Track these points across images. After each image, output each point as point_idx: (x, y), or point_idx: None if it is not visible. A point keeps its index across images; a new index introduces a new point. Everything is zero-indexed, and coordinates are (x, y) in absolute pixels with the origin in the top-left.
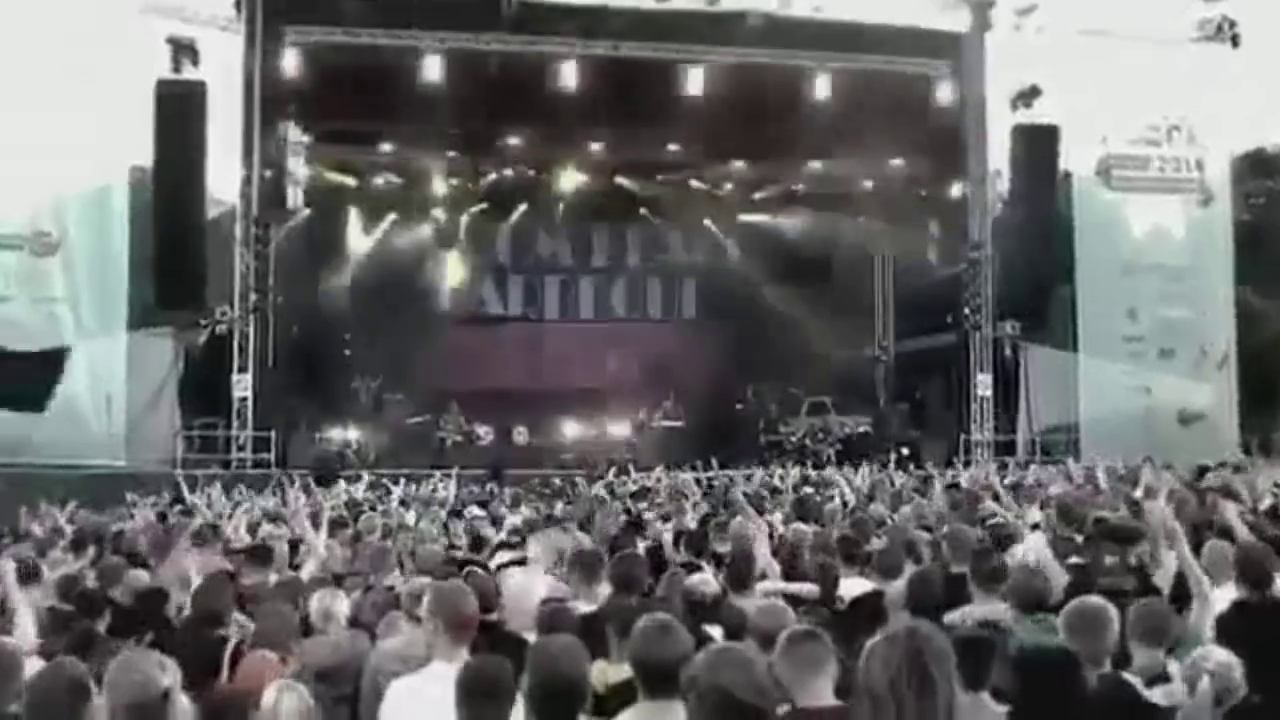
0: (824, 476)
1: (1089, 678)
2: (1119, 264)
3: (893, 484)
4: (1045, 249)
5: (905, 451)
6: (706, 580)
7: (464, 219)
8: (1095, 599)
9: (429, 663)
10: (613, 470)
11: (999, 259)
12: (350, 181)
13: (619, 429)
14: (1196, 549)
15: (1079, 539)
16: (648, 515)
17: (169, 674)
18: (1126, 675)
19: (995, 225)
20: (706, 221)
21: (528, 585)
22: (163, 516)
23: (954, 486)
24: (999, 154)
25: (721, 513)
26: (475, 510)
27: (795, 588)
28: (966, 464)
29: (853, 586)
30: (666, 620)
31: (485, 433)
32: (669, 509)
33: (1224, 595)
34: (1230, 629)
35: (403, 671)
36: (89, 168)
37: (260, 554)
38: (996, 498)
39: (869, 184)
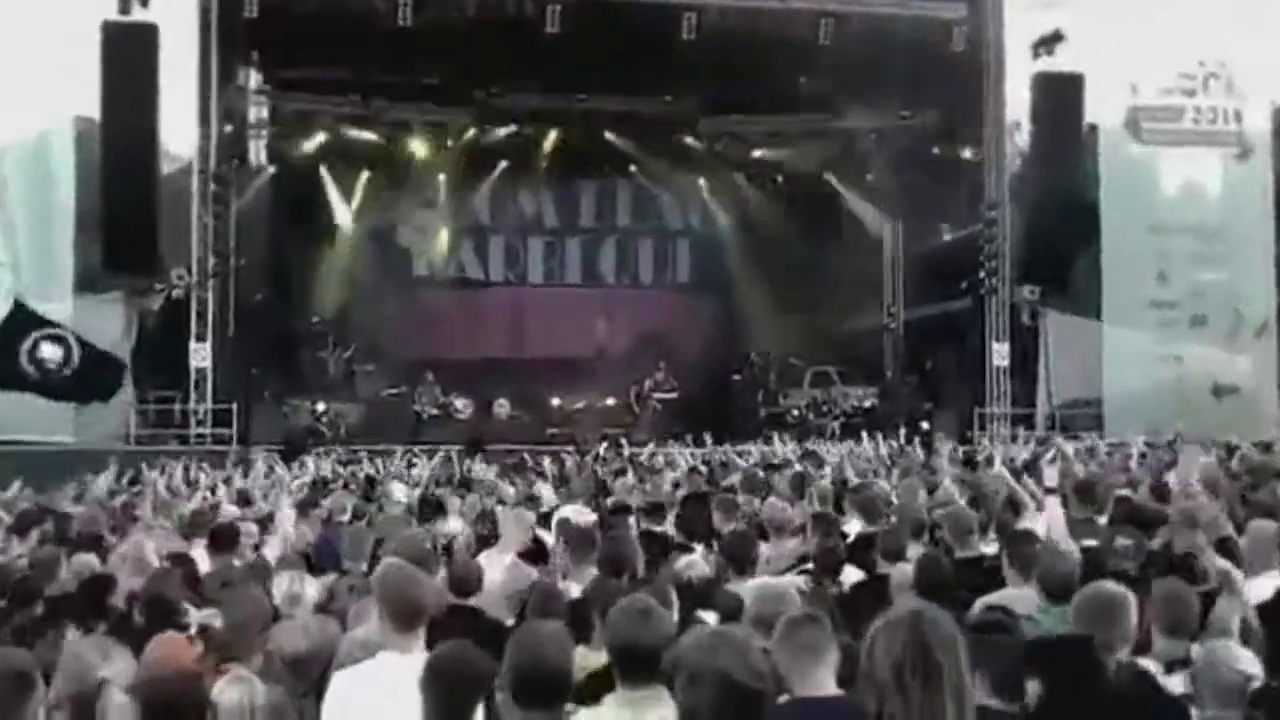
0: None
1: (1105, 666)
2: (1148, 223)
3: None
4: (1068, 208)
5: (915, 425)
6: (696, 563)
7: (441, 176)
8: (1110, 585)
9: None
10: (604, 445)
11: (1017, 219)
12: (318, 135)
13: (608, 401)
14: (1239, 531)
15: (1100, 520)
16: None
17: (112, 664)
18: (1144, 662)
19: (1013, 182)
20: (702, 180)
21: (489, 567)
22: (114, 496)
23: (969, 463)
24: (1018, 105)
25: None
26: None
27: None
28: (982, 439)
29: (855, 572)
30: (646, 602)
31: (464, 405)
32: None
33: (1268, 582)
34: (1274, 617)
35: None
36: (29, 117)
37: (224, 536)
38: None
39: (877, 139)
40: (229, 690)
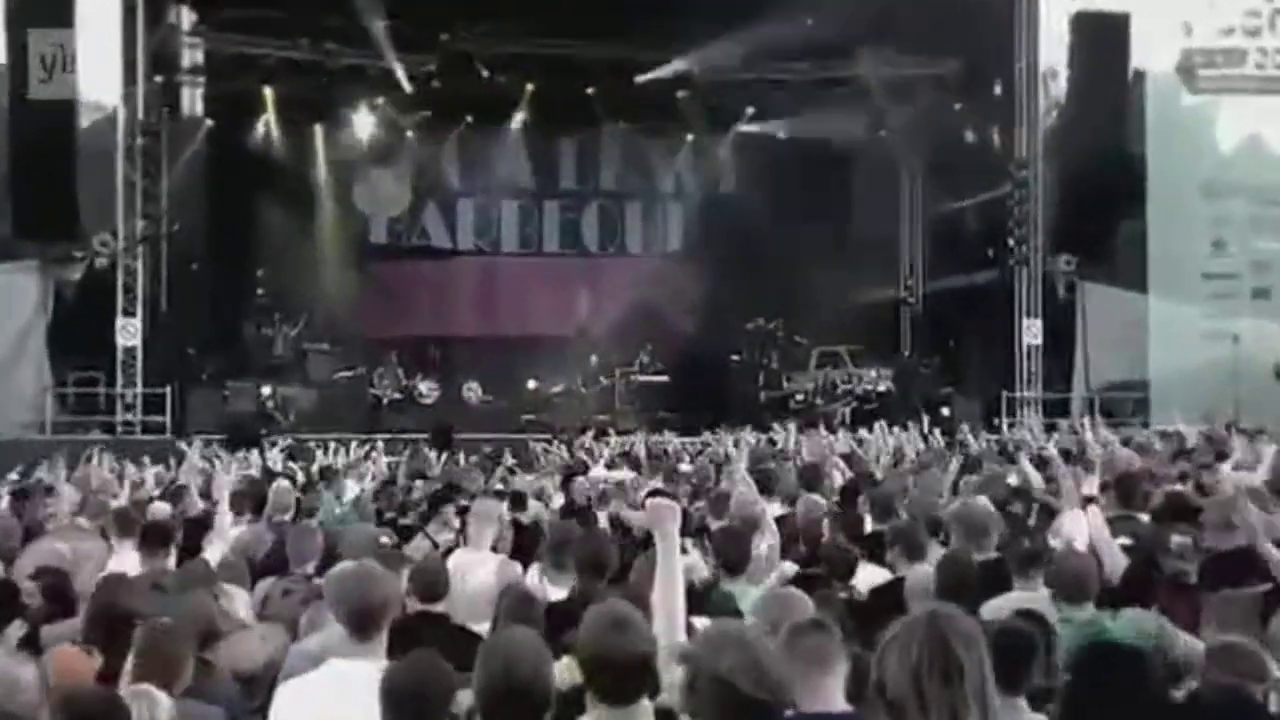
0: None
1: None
2: (1202, 183)
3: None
4: (1110, 166)
5: (935, 411)
6: (695, 564)
7: (403, 131)
8: None
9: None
10: (590, 434)
11: (1052, 179)
12: (262, 83)
13: (592, 385)
14: None
15: (1144, 518)
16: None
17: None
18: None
19: (1049, 137)
20: (695, 135)
21: (469, 568)
22: (24, 494)
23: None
24: (1055, 48)
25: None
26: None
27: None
28: (1010, 426)
29: (871, 575)
30: (624, 610)
31: (429, 389)
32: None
33: None
34: None
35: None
36: None
37: (155, 535)
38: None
39: (894, 88)
40: (136, 708)
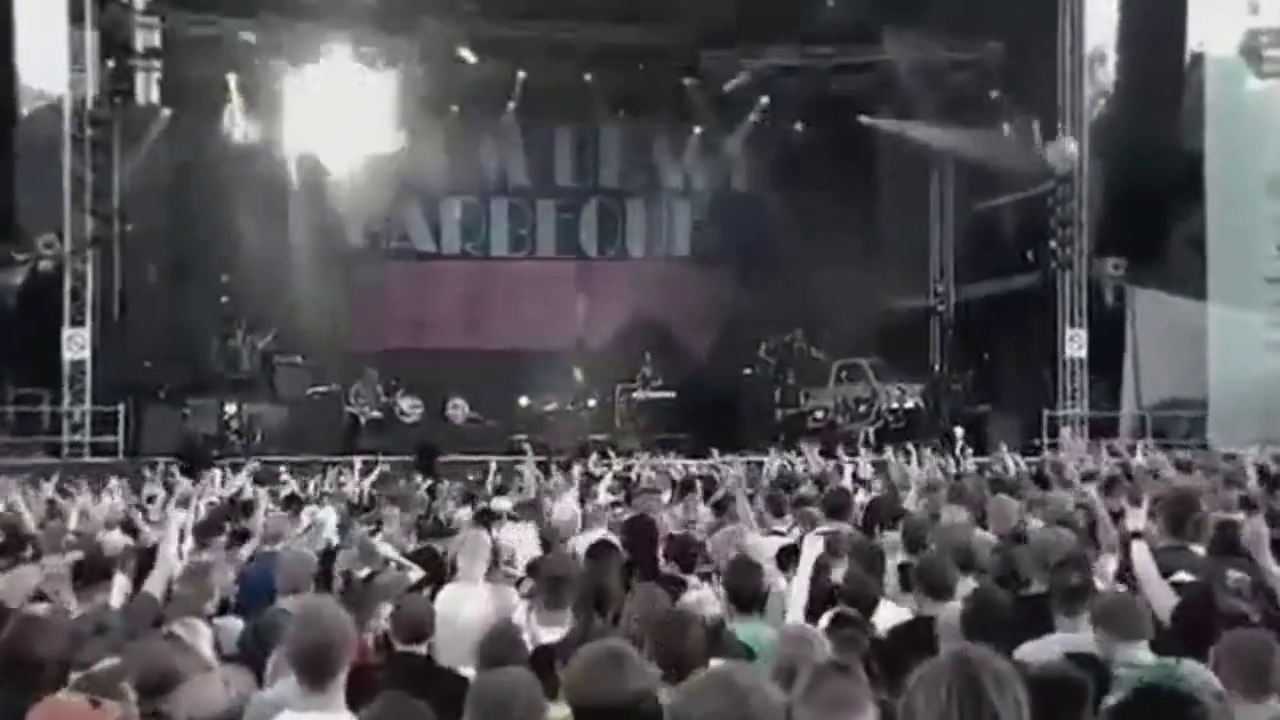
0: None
1: None
2: (1267, 178)
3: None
4: (1163, 160)
5: (968, 431)
6: (707, 599)
7: (381, 122)
8: (1255, 634)
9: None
10: (593, 457)
11: (1099, 173)
12: (226, 68)
13: (589, 402)
14: None
15: (1197, 550)
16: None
17: None
18: None
19: (1096, 127)
20: (704, 127)
21: (460, 604)
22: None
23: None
24: (1103, 29)
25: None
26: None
27: None
28: (1051, 448)
29: (894, 612)
30: (618, 648)
31: (412, 407)
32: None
33: None
34: None
35: None
36: None
37: (93, 570)
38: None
39: (924, 76)
40: None
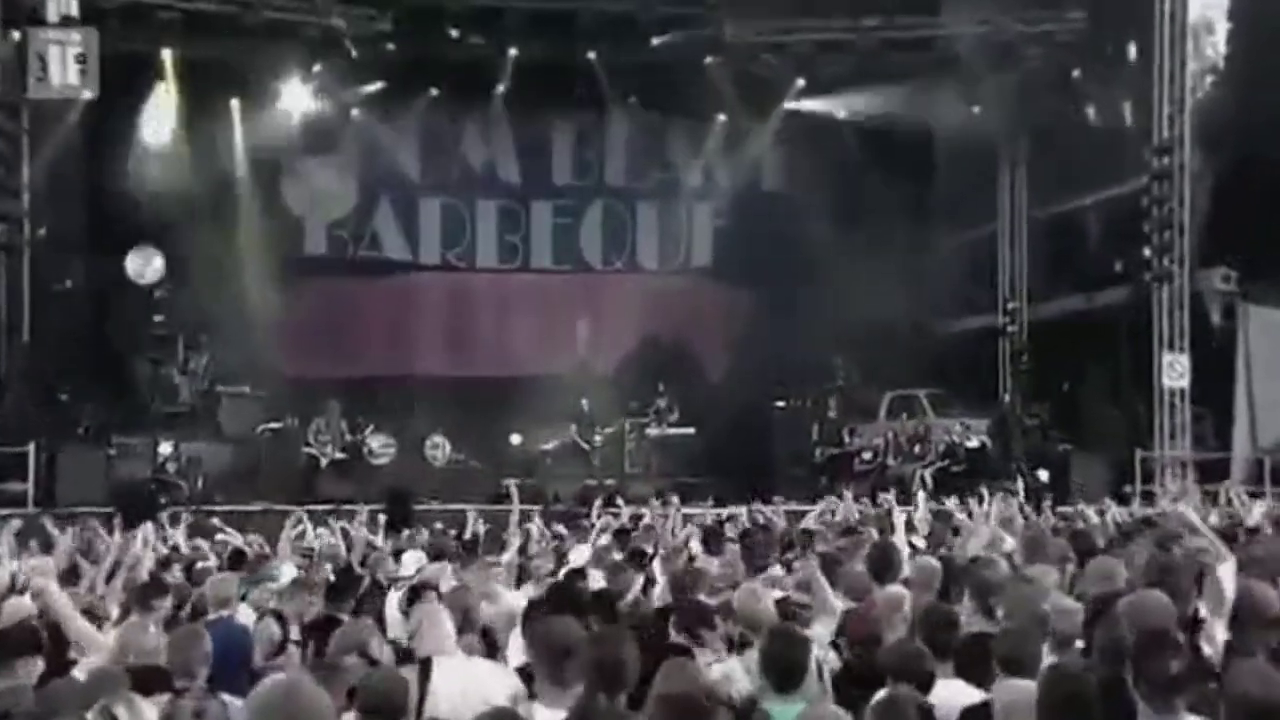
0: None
1: None
2: None
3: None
4: None
5: (1045, 476)
6: (735, 674)
7: (346, 107)
8: None
9: None
10: (598, 503)
11: (1204, 169)
12: (161, 43)
13: (594, 439)
14: None
15: None
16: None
17: None
18: None
19: (1198, 114)
20: (728, 115)
21: (467, 679)
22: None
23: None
24: None
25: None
26: None
27: None
28: (1145, 496)
29: (957, 691)
30: None
31: (383, 446)
32: None
33: None
34: None
35: None
36: None
37: (14, 643)
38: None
39: (991, 52)
40: None
